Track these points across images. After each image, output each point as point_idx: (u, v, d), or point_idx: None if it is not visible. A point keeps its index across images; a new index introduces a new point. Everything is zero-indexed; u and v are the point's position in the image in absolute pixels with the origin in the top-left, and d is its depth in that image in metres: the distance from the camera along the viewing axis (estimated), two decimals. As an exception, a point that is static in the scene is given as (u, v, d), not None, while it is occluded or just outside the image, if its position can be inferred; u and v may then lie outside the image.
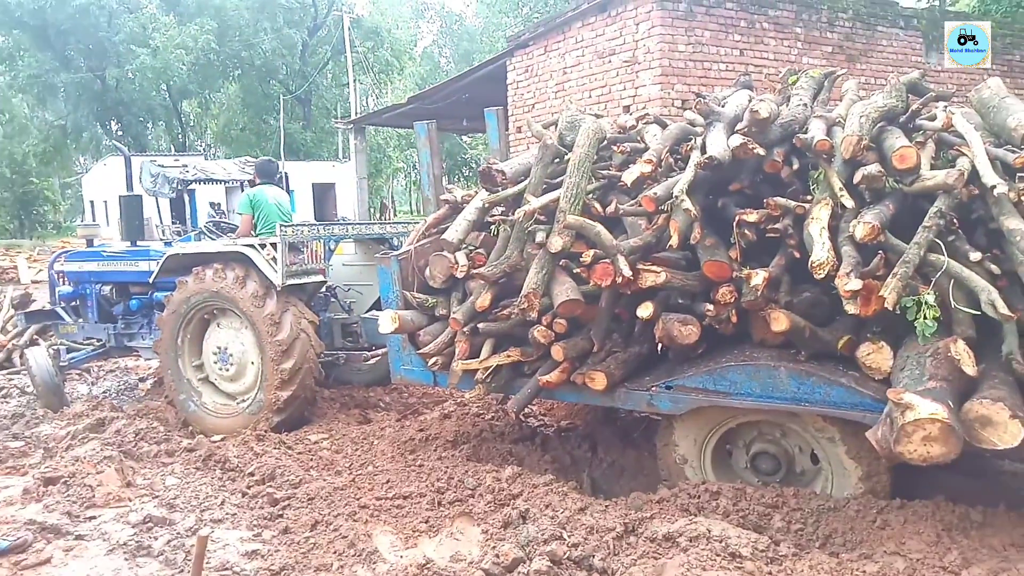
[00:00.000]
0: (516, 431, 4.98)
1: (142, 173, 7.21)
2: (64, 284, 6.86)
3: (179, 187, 6.87)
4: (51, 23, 29.24)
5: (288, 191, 6.86)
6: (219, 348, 5.72)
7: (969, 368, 2.83)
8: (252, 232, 6.14)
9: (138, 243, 6.52)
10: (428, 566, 3.14)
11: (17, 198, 36.84)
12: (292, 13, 33.39)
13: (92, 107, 32.08)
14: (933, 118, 3.54)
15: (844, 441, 3.44)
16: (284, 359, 5.25)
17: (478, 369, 3.98)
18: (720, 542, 3.07)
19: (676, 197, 3.40)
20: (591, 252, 3.61)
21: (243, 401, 5.64)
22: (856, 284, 2.96)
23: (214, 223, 6.84)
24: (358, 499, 4.02)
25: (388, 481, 4.25)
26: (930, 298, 2.97)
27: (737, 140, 3.45)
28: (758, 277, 3.25)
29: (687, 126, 4.13)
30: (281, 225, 5.40)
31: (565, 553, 3.17)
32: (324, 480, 4.35)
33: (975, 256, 3.05)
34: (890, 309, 2.96)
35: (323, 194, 28.69)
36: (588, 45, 10.10)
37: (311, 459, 4.81)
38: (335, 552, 3.42)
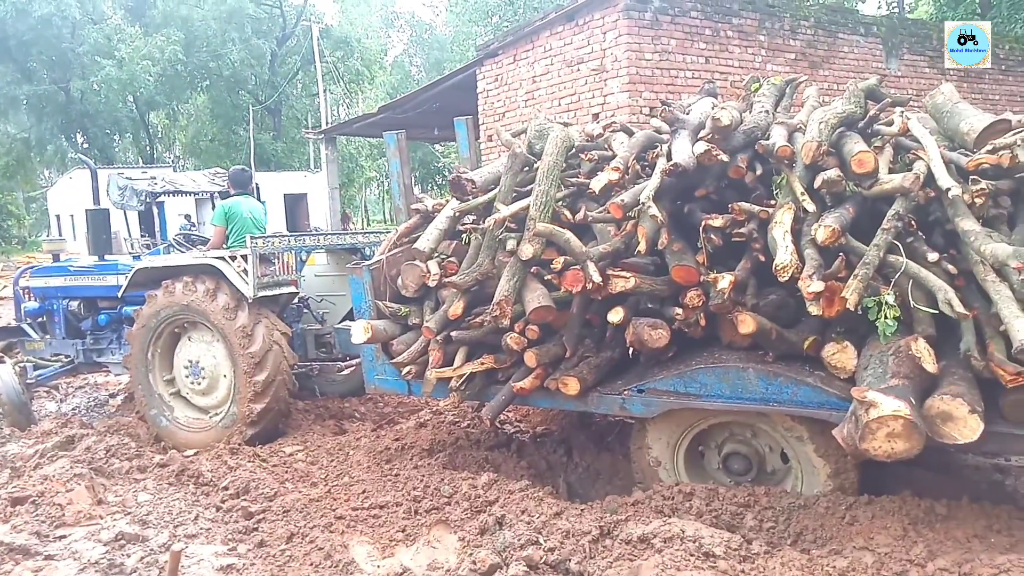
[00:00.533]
0: (492, 438, 5.00)
1: (109, 186, 7.11)
2: (30, 300, 6.74)
3: (148, 200, 6.78)
4: (12, 34, 28.72)
5: (260, 202, 6.81)
6: (190, 362, 5.66)
7: (929, 365, 2.90)
8: (224, 244, 6.09)
9: (106, 257, 6.43)
10: (405, 575, 3.14)
11: (-21, 212, 36.06)
12: (260, 23, 33.18)
13: (56, 119, 31.54)
14: (891, 123, 3.63)
15: (812, 439, 3.51)
16: (257, 371, 5.21)
17: (452, 377, 4.00)
18: (694, 542, 3.12)
19: (643, 203, 3.46)
20: (561, 259, 3.66)
21: (216, 415, 5.58)
22: (819, 286, 3.03)
23: (184, 235, 6.77)
24: (334, 510, 4.01)
25: (364, 491, 4.24)
26: (890, 298, 3.06)
27: (701, 147, 3.53)
28: (724, 281, 3.32)
29: (653, 134, 4.20)
30: (251, 237, 5.36)
31: (542, 558, 3.19)
32: (299, 492, 4.33)
33: (933, 257, 3.13)
34: (852, 310, 3.04)
35: (295, 204, 28.50)
36: (557, 54, 10.20)
37: (286, 471, 4.78)
38: (311, 564, 3.41)
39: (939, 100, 3.68)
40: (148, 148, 35.91)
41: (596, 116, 9.34)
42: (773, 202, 3.53)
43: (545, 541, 3.31)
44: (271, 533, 3.74)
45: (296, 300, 5.97)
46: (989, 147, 3.21)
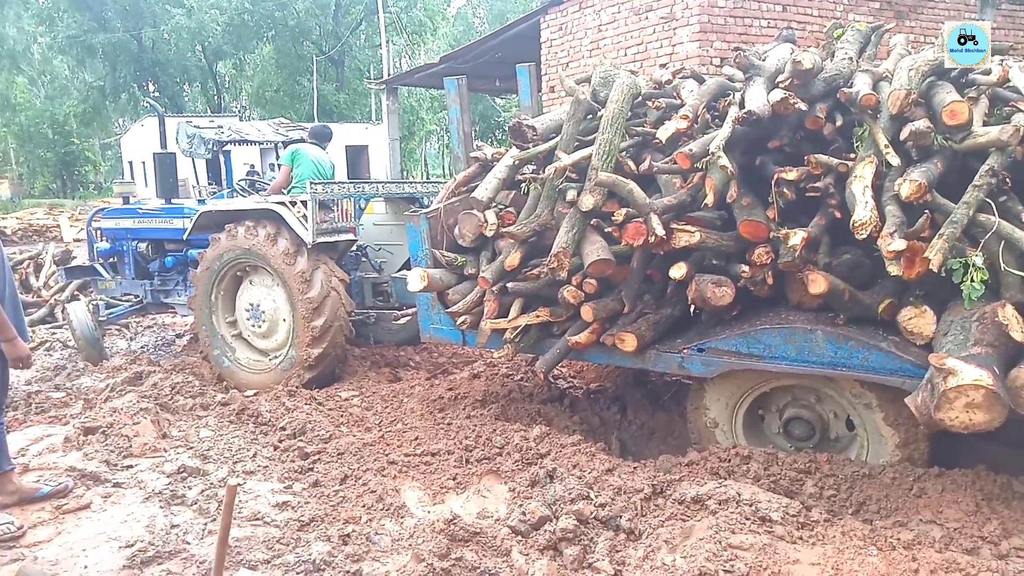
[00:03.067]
0: (545, 392, 4.97)
1: (178, 134, 7.26)
2: (102, 241, 6.99)
3: (214, 148, 6.90)
4: (88, -17, 29.45)
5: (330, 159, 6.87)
6: (251, 305, 5.77)
7: (1018, 334, 2.72)
8: (286, 186, 6.14)
9: (172, 201, 6.58)
10: (455, 522, 3.15)
11: (59, 158, 37.51)
12: (325, -28, 33.10)
13: (130, 68, 32.37)
14: (988, 72, 3.33)
15: (882, 407, 3.35)
16: (315, 316, 5.28)
17: (506, 329, 3.94)
18: (750, 506, 3.03)
19: (712, 154, 3.29)
20: (623, 211, 3.53)
21: (275, 357, 5.70)
22: (900, 244, 2.85)
23: (248, 181, 6.88)
24: (387, 455, 4.06)
25: (417, 438, 4.28)
26: (978, 260, 2.85)
27: (778, 95, 3.31)
28: (796, 237, 3.15)
29: (725, 81, 3.98)
30: (311, 183, 5.38)
31: (592, 513, 3.16)
32: (354, 436, 4.40)
33: None
34: (935, 271, 2.85)
35: (356, 156, 28.69)
36: (624, 1, 9.81)
37: (341, 415, 4.86)
38: (364, 506, 3.47)
39: None
40: (216, 97, 36.59)
41: (664, 66, 8.99)
42: (853, 155, 3.29)
43: (596, 496, 3.28)
44: (326, 474, 3.81)
45: (354, 248, 6.00)
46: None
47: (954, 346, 2.81)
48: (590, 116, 4.07)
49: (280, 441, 4.27)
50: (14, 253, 10.54)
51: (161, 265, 6.65)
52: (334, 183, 5.77)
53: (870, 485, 3.28)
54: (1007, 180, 3.00)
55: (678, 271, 3.47)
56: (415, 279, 4.11)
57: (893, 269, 2.95)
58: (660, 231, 3.32)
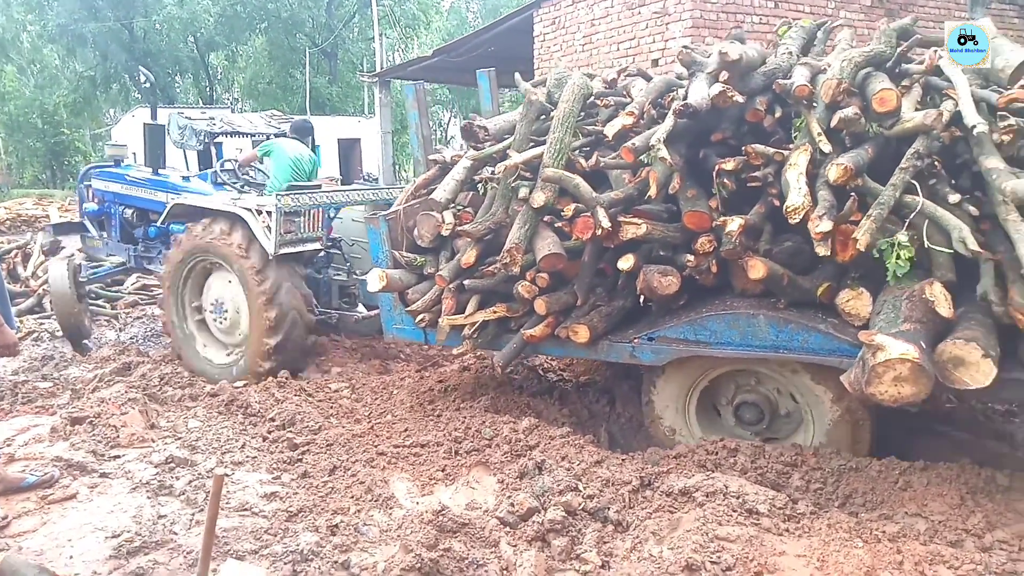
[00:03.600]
0: (534, 384, 4.97)
1: (170, 125, 7.23)
2: (91, 200, 7.00)
3: (206, 139, 6.89)
4: (79, -29, 29.16)
5: (314, 146, 6.84)
6: (215, 301, 5.77)
7: (944, 310, 2.81)
8: (251, 163, 6.35)
9: (159, 172, 6.59)
10: (444, 512, 3.15)
11: (49, 148, 37.17)
12: (319, -37, 32.91)
13: (121, 58, 32.07)
14: (921, 63, 3.44)
15: (820, 384, 3.45)
16: (268, 308, 5.27)
17: (465, 325, 3.98)
18: (737, 498, 3.05)
19: (653, 146, 3.35)
20: (572, 206, 3.60)
21: (234, 353, 5.71)
22: (827, 225, 2.93)
23: (228, 170, 6.84)
24: (376, 446, 4.06)
25: (406, 430, 4.28)
26: (903, 238, 2.95)
27: (716, 88, 3.36)
28: (733, 224, 3.24)
29: (671, 79, 4.07)
30: (278, 194, 5.33)
31: (580, 504, 3.17)
32: (343, 427, 4.39)
33: (954, 198, 2.99)
34: (863, 251, 2.94)
35: (349, 149, 28.59)
36: (618, -4, 9.81)
37: (331, 407, 4.85)
38: (352, 497, 3.46)
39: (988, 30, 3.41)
40: (208, 89, 36.36)
41: (655, 62, 9.01)
42: (791, 145, 3.38)
43: (584, 488, 3.28)
44: (314, 465, 3.81)
45: (328, 248, 6.01)
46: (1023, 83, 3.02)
47: (885, 324, 2.90)
48: (543, 116, 4.14)
49: (269, 432, 4.26)
50: (2, 243, 10.46)
51: (144, 233, 6.67)
52: (304, 188, 5.68)
53: (856, 478, 3.30)
54: (936, 164, 3.08)
55: (626, 263, 3.56)
56: (374, 279, 4.15)
57: (821, 250, 3.01)
58: (605, 223, 3.40)
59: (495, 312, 3.93)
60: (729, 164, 3.39)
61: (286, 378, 5.33)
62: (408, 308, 4.22)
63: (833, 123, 3.16)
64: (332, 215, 5.87)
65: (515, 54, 11.93)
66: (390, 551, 2.96)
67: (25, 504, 3.38)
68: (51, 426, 4.25)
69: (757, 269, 3.23)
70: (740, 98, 3.38)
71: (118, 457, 3.89)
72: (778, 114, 3.49)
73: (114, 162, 7.11)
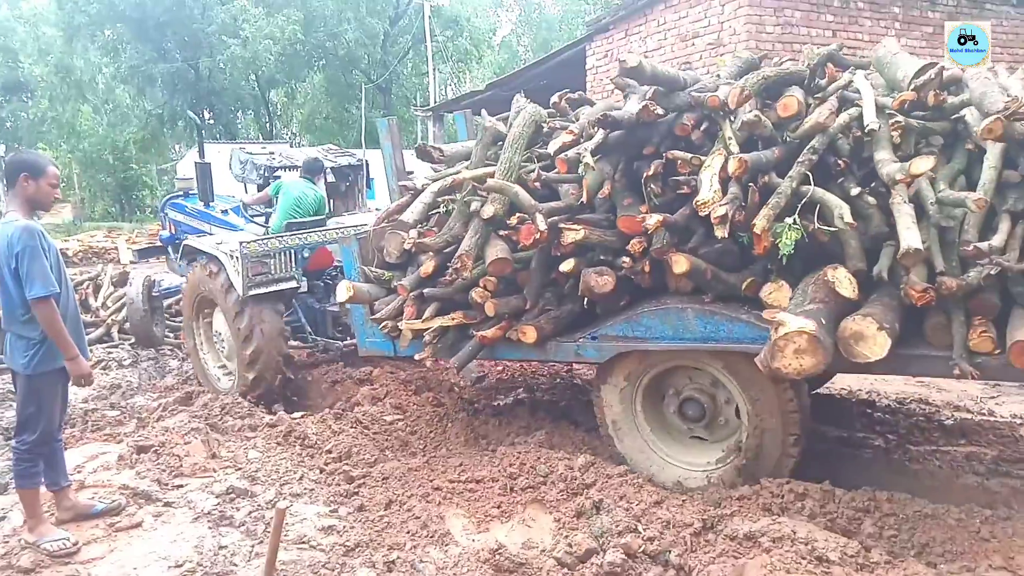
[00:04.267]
0: (590, 420, 4.89)
1: (232, 160, 7.55)
2: (166, 228, 7.63)
3: (266, 173, 7.17)
4: (150, 16, 30.63)
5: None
6: (217, 332, 6.12)
7: (846, 291, 3.03)
8: (262, 203, 6.84)
9: (210, 205, 7.12)
10: (500, 551, 3.12)
11: (118, 183, 38.92)
12: (374, 3, 33.89)
13: (187, 96, 33.52)
14: (848, 83, 3.70)
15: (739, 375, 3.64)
16: (245, 345, 5.58)
17: (426, 332, 4.20)
18: (806, 544, 2.93)
19: (579, 155, 3.68)
20: (517, 215, 3.87)
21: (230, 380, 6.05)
22: (722, 209, 3.18)
23: (236, 207, 7.24)
24: (431, 481, 4.04)
25: (461, 464, 4.26)
26: (790, 220, 3.20)
27: (639, 104, 3.65)
28: (651, 219, 3.49)
29: (613, 102, 4.41)
30: (242, 242, 5.62)
31: (640, 547, 3.09)
32: (399, 460, 4.40)
33: (855, 191, 3.26)
34: (765, 239, 3.21)
35: (402, 181, 29.05)
36: (671, 28, 9.83)
37: (386, 439, 4.86)
38: (408, 532, 3.45)
39: (881, 53, 3.81)
40: (268, 124, 37.63)
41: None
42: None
43: (644, 530, 3.21)
44: (370, 498, 3.81)
45: (328, 280, 6.34)
46: (912, 87, 3.35)
47: (794, 306, 3.12)
48: (500, 142, 4.38)
49: (326, 464, 4.29)
50: (75, 274, 10.93)
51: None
52: (272, 237, 6.02)
53: (933, 526, 3.14)
54: (840, 163, 3.36)
55: (567, 265, 3.81)
56: (342, 291, 4.45)
57: (719, 232, 3.24)
58: (542, 226, 3.67)
59: (453, 319, 4.17)
60: (650, 170, 3.66)
61: (342, 410, 5.38)
62: (373, 317, 4.48)
63: (737, 126, 3.41)
64: (306, 255, 6.10)
65: (567, 87, 12.01)
66: (447, 590, 2.93)
67: (94, 531, 3.48)
68: (118, 454, 4.38)
69: (680, 263, 3.47)
70: (660, 110, 3.65)
71: (181, 486, 3.97)
72: (704, 127, 3.73)
73: (183, 193, 7.49)
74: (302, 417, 5.25)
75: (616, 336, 3.86)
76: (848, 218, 3.05)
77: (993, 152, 3.10)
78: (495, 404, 5.48)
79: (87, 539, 3.40)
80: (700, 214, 3.31)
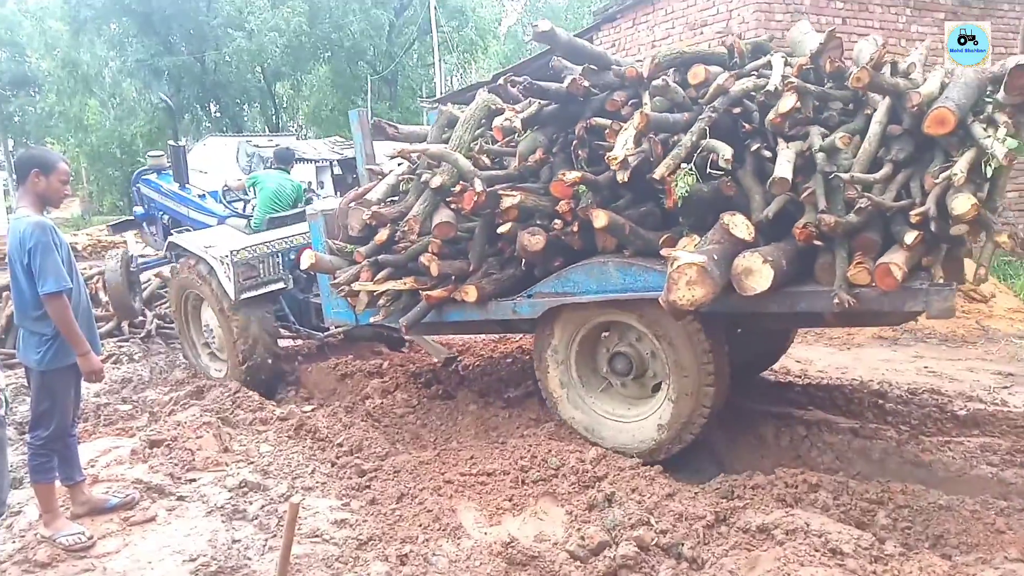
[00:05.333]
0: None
1: (239, 153, 7.56)
2: (139, 204, 7.75)
3: (271, 166, 7.15)
4: (156, 9, 30.62)
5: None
6: (207, 326, 6.27)
7: (740, 233, 3.32)
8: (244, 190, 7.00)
9: (185, 186, 7.21)
10: (513, 544, 3.12)
11: (126, 177, 38.94)
12: (380, -6, 33.79)
13: (193, 90, 33.53)
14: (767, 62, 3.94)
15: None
16: (238, 343, 5.83)
17: (381, 297, 4.51)
18: (819, 537, 2.92)
19: (509, 120, 4.21)
20: (460, 184, 4.18)
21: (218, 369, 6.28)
22: (620, 152, 3.60)
23: (227, 200, 7.23)
24: (443, 474, 4.05)
25: (472, 457, 4.26)
26: (686, 167, 3.55)
27: (569, 79, 3.98)
28: (570, 176, 3.88)
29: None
30: (233, 251, 5.78)
31: (653, 540, 3.09)
32: (410, 454, 4.41)
33: (755, 147, 3.63)
34: (669, 190, 3.58)
35: (408, 173, 29.00)
36: (679, 16, 9.75)
37: (397, 432, 4.88)
38: (420, 525, 3.46)
39: (794, 34, 4.25)
40: (274, 117, 37.60)
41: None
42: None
43: (656, 522, 3.21)
44: (382, 492, 3.82)
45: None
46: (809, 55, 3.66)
47: (696, 249, 3.40)
48: (454, 125, 4.70)
49: (337, 457, 4.30)
50: (85, 269, 10.97)
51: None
52: (259, 244, 6.05)
53: (948, 517, 3.13)
54: (745, 125, 3.69)
55: (504, 227, 4.13)
56: (306, 258, 4.81)
57: (620, 176, 3.64)
58: (479, 188, 4.02)
59: (405, 283, 4.45)
60: (576, 136, 4.02)
61: (353, 403, 5.39)
62: (333, 282, 4.77)
63: (651, 92, 3.79)
64: (292, 257, 6.17)
65: (574, 77, 11.93)
66: (460, 583, 2.94)
67: (108, 525, 3.49)
68: (131, 448, 4.40)
69: (600, 218, 3.76)
70: (586, 83, 3.97)
71: (194, 480, 3.98)
72: (632, 103, 3.99)
73: (155, 171, 7.57)
74: (313, 410, 5.27)
75: (548, 293, 4.19)
76: (728, 157, 3.42)
77: (881, 108, 3.39)
78: (505, 396, 5.48)
79: (102, 533, 3.42)
80: (611, 167, 3.67)
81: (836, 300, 3.21)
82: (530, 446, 4.24)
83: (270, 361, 5.98)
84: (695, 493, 3.54)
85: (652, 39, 10.24)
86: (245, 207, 7.08)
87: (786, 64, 3.71)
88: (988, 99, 3.27)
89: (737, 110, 3.76)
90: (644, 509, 3.30)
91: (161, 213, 7.44)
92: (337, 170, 19.55)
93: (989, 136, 3.06)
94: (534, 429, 4.62)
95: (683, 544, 3.07)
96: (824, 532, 2.94)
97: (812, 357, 6.73)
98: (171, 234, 7.14)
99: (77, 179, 37.08)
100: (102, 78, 35.29)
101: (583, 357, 4.37)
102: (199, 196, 7.17)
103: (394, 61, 35.14)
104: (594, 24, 11.60)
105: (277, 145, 8.43)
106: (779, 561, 2.79)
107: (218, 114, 35.12)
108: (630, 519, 3.21)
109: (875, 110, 3.45)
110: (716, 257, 3.24)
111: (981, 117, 3.19)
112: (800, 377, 5.89)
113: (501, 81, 4.85)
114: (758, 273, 3.18)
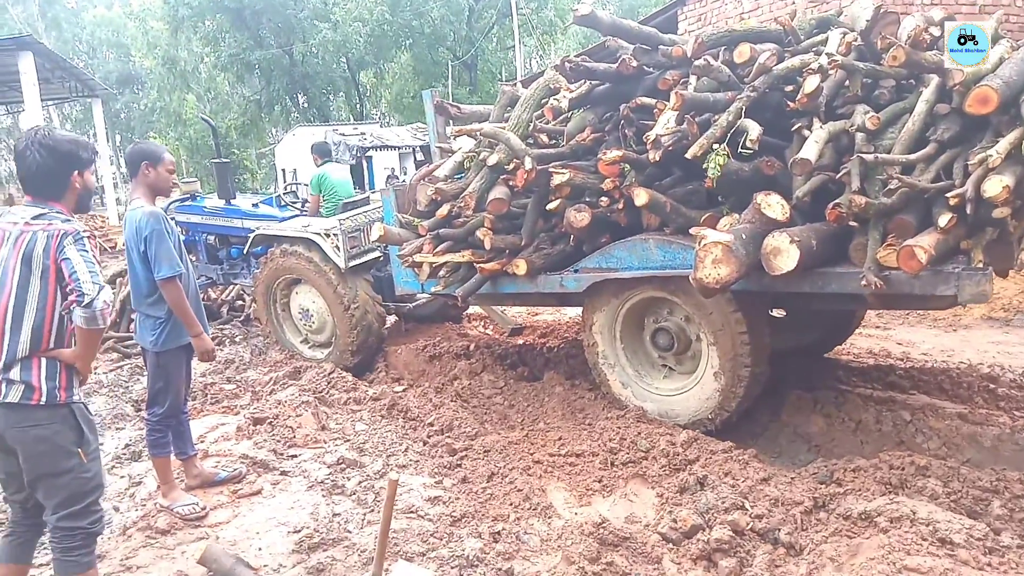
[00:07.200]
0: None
1: (311, 147, 7.73)
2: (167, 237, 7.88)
3: (358, 154, 7.40)
4: (247, 5, 31.81)
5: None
6: (303, 309, 6.44)
7: (774, 213, 3.32)
8: (319, 208, 7.11)
9: (231, 202, 7.39)
10: (604, 525, 3.12)
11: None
12: (459, -21, 33.93)
13: (282, 82, 34.72)
14: (825, 39, 3.82)
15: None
16: (348, 312, 6.02)
17: (441, 268, 4.73)
18: (927, 525, 2.79)
19: (558, 101, 4.40)
20: (514, 161, 4.27)
21: (326, 349, 6.42)
22: (653, 134, 3.73)
23: (290, 192, 7.41)
24: (532, 454, 4.09)
25: (560, 439, 4.28)
26: (718, 147, 3.53)
27: (620, 60, 4.04)
28: (611, 154, 3.95)
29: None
30: (339, 218, 6.04)
31: (748, 524, 3.03)
32: (499, 434, 4.47)
33: (796, 126, 3.57)
34: (709, 173, 3.56)
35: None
36: (768, -14, 9.36)
37: (485, 413, 4.95)
38: (511, 504, 3.51)
39: (855, 10, 3.94)
40: (358, 106, 38.52)
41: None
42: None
43: (751, 507, 3.14)
44: (473, 470, 3.89)
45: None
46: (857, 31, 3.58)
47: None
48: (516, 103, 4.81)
49: (429, 436, 4.41)
50: (188, 256, 11.58)
51: (228, 254, 7.50)
52: (357, 212, 6.34)
53: (1071, 509, 2.92)
54: (789, 104, 3.61)
55: (552, 204, 4.27)
56: (376, 229, 5.07)
57: (652, 155, 3.77)
58: (529, 166, 4.14)
59: (463, 256, 4.65)
60: (623, 115, 4.05)
61: (442, 384, 5.51)
62: (399, 253, 5.02)
63: (692, 71, 3.76)
64: None
65: (657, 54, 11.66)
66: (552, 561, 2.97)
67: (219, 497, 3.72)
68: (236, 425, 4.65)
69: (641, 196, 3.84)
70: (635, 63, 4.05)
71: (295, 456, 4.18)
72: (684, 82, 3.95)
73: (190, 196, 7.86)
74: (404, 391, 5.42)
75: (593, 268, 4.33)
76: (754, 137, 3.42)
77: (930, 87, 3.29)
78: (591, 378, 5.47)
79: (213, 504, 3.64)
80: (648, 147, 3.74)
81: (864, 282, 3.18)
82: (618, 428, 4.22)
83: (376, 324, 6.24)
84: (791, 478, 3.45)
85: (740, 11, 9.88)
86: (304, 205, 7.38)
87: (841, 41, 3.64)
88: None
89: (790, 88, 3.70)
90: (738, 493, 3.24)
91: (204, 235, 7.57)
92: (420, 156, 19.92)
93: None
94: (619, 411, 4.59)
95: (780, 529, 2.99)
96: (932, 520, 2.80)
97: (915, 339, 6.40)
98: (219, 251, 7.54)
99: (178, 171, 39.17)
100: (198, 73, 37.03)
101: (628, 330, 4.51)
102: (252, 206, 7.38)
103: (474, 46, 35.29)
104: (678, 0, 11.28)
105: (363, 134, 8.70)
106: (883, 549, 2.68)
107: (306, 105, 36.26)
108: (724, 503, 3.16)
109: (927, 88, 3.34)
110: (745, 236, 3.27)
111: None
112: (903, 360, 5.61)
113: (559, 62, 4.90)
114: (785, 253, 3.21)
